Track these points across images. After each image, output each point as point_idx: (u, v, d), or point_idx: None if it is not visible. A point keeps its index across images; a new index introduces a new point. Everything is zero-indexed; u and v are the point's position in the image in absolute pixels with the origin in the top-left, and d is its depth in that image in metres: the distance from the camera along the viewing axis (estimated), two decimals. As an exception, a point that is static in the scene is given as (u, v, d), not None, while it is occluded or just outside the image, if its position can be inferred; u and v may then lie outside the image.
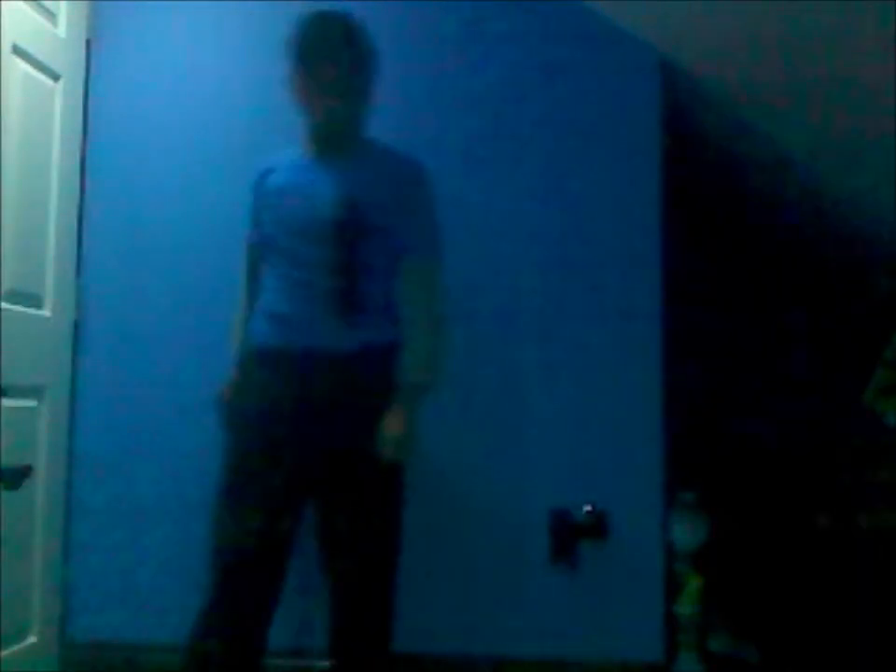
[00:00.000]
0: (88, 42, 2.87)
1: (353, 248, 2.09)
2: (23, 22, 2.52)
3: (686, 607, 2.87)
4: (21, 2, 2.51)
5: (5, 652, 2.42)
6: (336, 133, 2.18)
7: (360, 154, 2.19)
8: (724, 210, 3.85)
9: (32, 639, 2.59)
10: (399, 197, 2.15)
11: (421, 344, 2.14)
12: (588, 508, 2.79)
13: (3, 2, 2.39)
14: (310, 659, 2.59)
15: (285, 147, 2.31)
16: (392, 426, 2.08)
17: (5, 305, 2.41)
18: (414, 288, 2.17)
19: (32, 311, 2.59)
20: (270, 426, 2.09)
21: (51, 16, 2.68)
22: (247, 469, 2.08)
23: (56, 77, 2.69)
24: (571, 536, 2.78)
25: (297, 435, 2.08)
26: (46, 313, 2.66)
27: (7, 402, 2.40)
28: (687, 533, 2.90)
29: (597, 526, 2.77)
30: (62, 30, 2.72)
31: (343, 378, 2.08)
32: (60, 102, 2.70)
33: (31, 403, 2.59)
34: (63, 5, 2.72)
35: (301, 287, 2.11)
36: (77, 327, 2.81)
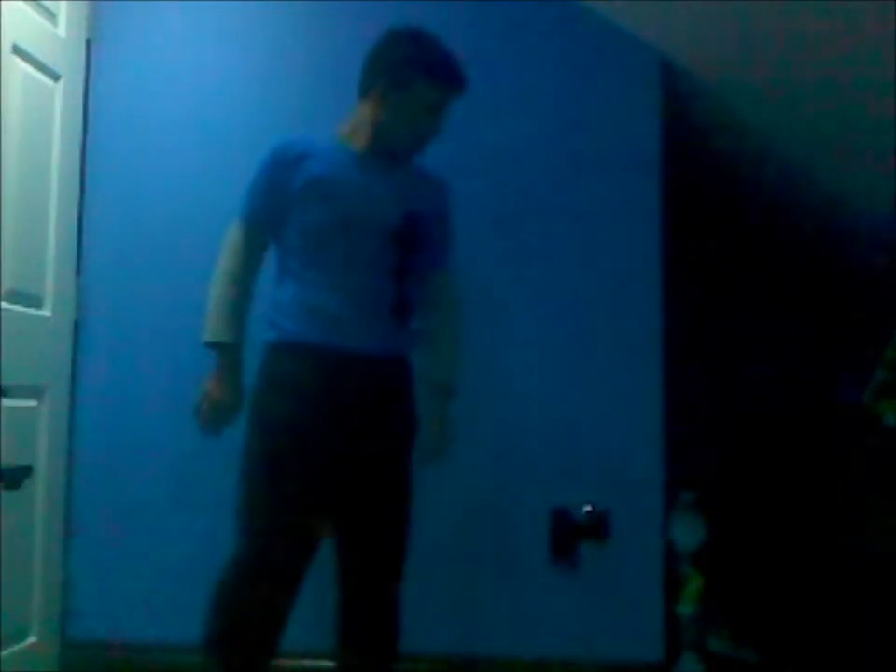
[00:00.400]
0: (88, 42, 2.87)
1: (405, 257, 2.16)
2: (23, 22, 2.52)
3: (686, 607, 2.87)
4: (21, 2, 2.51)
5: (5, 652, 2.43)
6: (410, 151, 2.23)
7: (407, 166, 2.25)
8: (724, 210, 3.85)
9: (32, 639, 2.59)
10: (437, 213, 2.27)
11: (452, 351, 2.32)
12: (588, 508, 2.79)
13: (3, 2, 2.39)
14: (313, 659, 2.60)
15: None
16: (435, 427, 2.23)
17: (5, 305, 2.41)
18: (444, 300, 2.32)
19: (32, 311, 2.59)
20: (321, 424, 2.06)
21: (51, 16, 2.68)
22: (291, 469, 2.04)
23: (56, 77, 2.69)
24: (571, 536, 2.79)
25: (348, 435, 2.08)
26: (46, 313, 2.66)
27: (7, 402, 2.40)
28: (687, 533, 2.90)
29: (597, 526, 2.77)
30: (62, 30, 2.72)
31: (391, 380, 2.16)
32: (60, 102, 2.70)
33: (31, 403, 2.59)
34: (63, 5, 2.72)
35: (357, 288, 2.11)
36: (77, 327, 2.81)
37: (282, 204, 2.15)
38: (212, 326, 2.17)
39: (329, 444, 2.06)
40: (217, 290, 2.18)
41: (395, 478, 2.17)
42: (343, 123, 2.24)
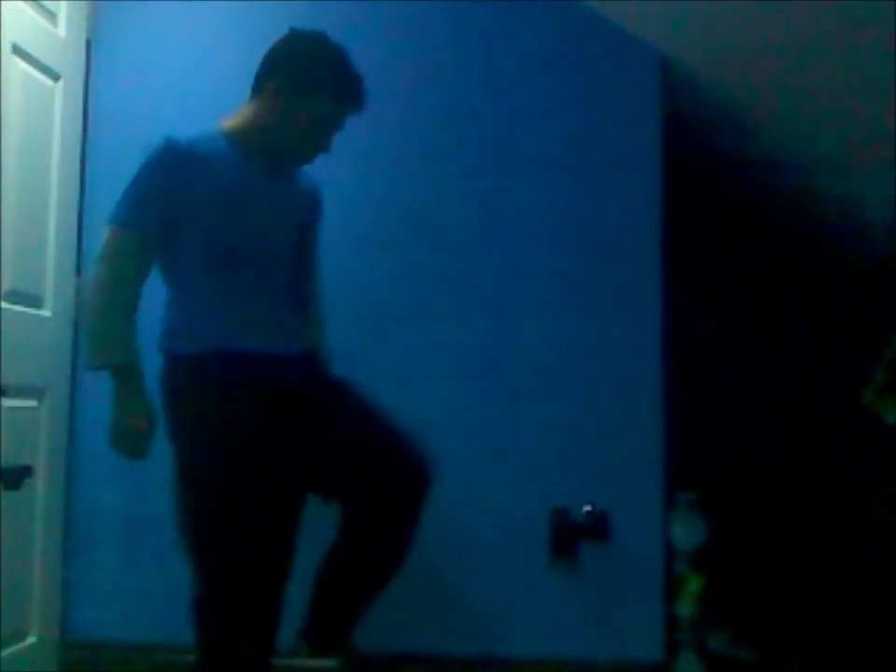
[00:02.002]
0: (88, 42, 2.87)
1: (300, 263, 2.21)
2: (23, 22, 2.52)
3: (686, 607, 2.87)
4: (21, 2, 2.51)
5: (5, 652, 2.42)
6: (296, 162, 2.22)
7: (292, 170, 2.26)
8: (724, 210, 3.85)
9: (32, 639, 2.58)
10: (316, 219, 2.33)
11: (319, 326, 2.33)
12: (588, 508, 2.79)
13: (3, 2, 2.39)
14: (306, 659, 2.59)
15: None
16: None
17: (5, 305, 2.41)
18: (319, 306, 2.34)
19: (32, 311, 2.59)
20: (260, 424, 2.02)
21: (51, 16, 2.67)
22: (247, 475, 1.99)
23: (56, 77, 2.69)
24: (571, 536, 2.78)
25: (285, 428, 2.05)
26: (46, 313, 2.66)
27: (7, 402, 2.40)
28: (687, 533, 2.89)
29: (597, 526, 2.77)
30: (62, 30, 2.72)
31: (312, 372, 2.16)
32: (60, 102, 2.70)
33: (31, 403, 2.59)
34: (63, 5, 2.72)
35: (262, 295, 2.10)
36: (76, 327, 2.81)
37: (173, 211, 2.03)
38: (105, 346, 2.00)
39: (273, 441, 2.02)
40: (103, 305, 2.00)
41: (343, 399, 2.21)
42: (231, 117, 2.18)
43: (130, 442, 2.02)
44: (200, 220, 2.04)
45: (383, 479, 2.15)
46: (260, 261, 2.10)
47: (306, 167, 2.27)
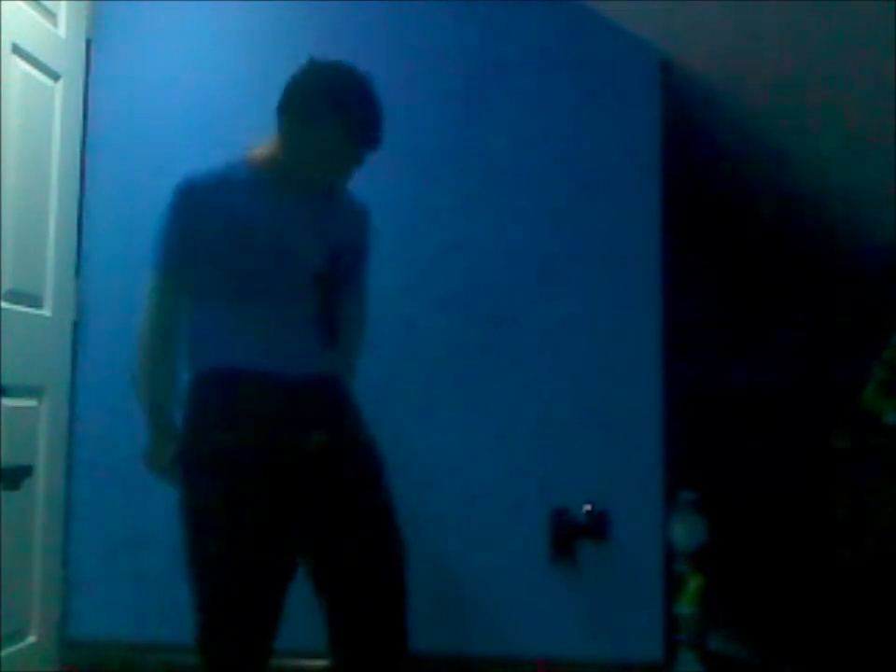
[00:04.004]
0: (88, 42, 2.87)
1: (329, 291, 2.12)
2: (23, 22, 2.52)
3: (686, 607, 2.87)
4: (21, 2, 2.51)
5: (5, 652, 2.42)
6: (324, 186, 2.13)
7: (328, 195, 2.16)
8: (724, 209, 3.85)
9: (32, 639, 2.59)
10: (359, 245, 2.21)
11: (352, 356, 2.25)
12: (588, 508, 2.79)
13: (3, 2, 2.39)
14: (313, 659, 2.59)
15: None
16: None
17: (5, 305, 2.41)
18: (351, 331, 2.23)
19: (32, 311, 2.59)
20: (270, 449, 2.00)
21: (51, 16, 2.68)
22: (249, 498, 1.97)
23: (56, 77, 2.69)
24: (571, 536, 2.78)
25: (297, 456, 2.02)
26: (46, 313, 2.66)
27: (6, 402, 2.41)
28: (687, 533, 2.90)
29: (597, 526, 2.77)
30: (62, 30, 2.72)
31: (328, 399, 2.10)
32: (60, 102, 2.70)
33: (31, 403, 2.59)
34: (63, 5, 2.72)
35: (283, 319, 2.05)
36: (76, 327, 2.81)
37: (199, 246, 2.04)
38: (147, 386, 2.11)
39: (283, 468, 1.99)
40: (149, 348, 2.11)
41: (357, 492, 2.08)
42: (259, 146, 2.13)
43: (153, 469, 2.14)
44: (218, 247, 2.05)
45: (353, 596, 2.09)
46: (277, 286, 2.06)
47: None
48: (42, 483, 2.61)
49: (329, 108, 2.01)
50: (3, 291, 2.42)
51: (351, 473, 2.08)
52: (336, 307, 2.15)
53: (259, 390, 2.02)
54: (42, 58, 2.60)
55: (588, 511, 2.79)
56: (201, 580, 2.03)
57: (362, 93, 2.04)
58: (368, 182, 2.84)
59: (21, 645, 2.53)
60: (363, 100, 2.04)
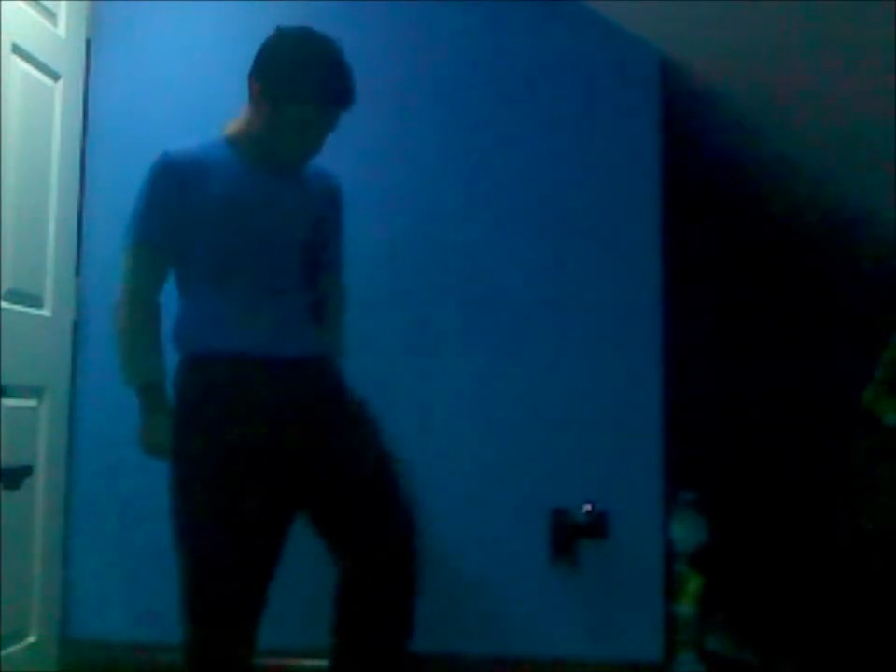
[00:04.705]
0: (88, 42, 2.87)
1: (314, 262, 2.14)
2: (23, 22, 2.52)
3: (686, 607, 2.87)
4: (21, 2, 2.51)
5: (4, 652, 2.43)
6: (302, 161, 2.14)
7: (301, 167, 2.17)
8: (724, 209, 3.85)
9: (32, 639, 2.59)
10: (334, 214, 2.25)
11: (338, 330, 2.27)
12: (588, 508, 2.79)
13: (3, 2, 2.39)
14: (312, 659, 2.59)
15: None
16: None
17: (5, 305, 2.42)
18: (335, 306, 2.25)
19: (32, 311, 2.59)
20: (265, 428, 2.02)
21: (51, 16, 2.68)
22: (240, 476, 1.99)
23: (56, 77, 2.69)
24: (571, 536, 2.78)
25: (292, 435, 2.04)
26: (46, 313, 2.66)
27: (6, 402, 2.41)
28: (687, 533, 2.90)
29: (597, 526, 2.77)
30: (62, 30, 2.72)
31: (320, 378, 2.12)
32: (60, 102, 2.70)
33: (31, 403, 2.59)
34: (63, 5, 2.72)
35: (271, 298, 2.07)
36: (76, 327, 2.81)
37: (182, 225, 2.05)
38: (136, 366, 2.07)
39: (278, 449, 2.02)
40: (130, 325, 2.06)
41: (357, 460, 2.11)
42: (231, 123, 2.16)
43: (153, 450, 2.10)
44: (201, 227, 2.06)
45: (368, 543, 2.12)
46: (264, 263, 2.08)
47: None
48: (42, 483, 2.61)
49: (300, 74, 2.04)
50: (3, 291, 2.42)
51: (354, 442, 2.10)
52: (319, 280, 2.16)
53: (254, 372, 2.02)
54: (42, 58, 2.60)
55: (588, 511, 2.79)
56: (193, 564, 2.05)
57: (330, 56, 2.07)
58: (368, 182, 2.87)
59: (20, 645, 2.53)
60: (331, 62, 2.07)
